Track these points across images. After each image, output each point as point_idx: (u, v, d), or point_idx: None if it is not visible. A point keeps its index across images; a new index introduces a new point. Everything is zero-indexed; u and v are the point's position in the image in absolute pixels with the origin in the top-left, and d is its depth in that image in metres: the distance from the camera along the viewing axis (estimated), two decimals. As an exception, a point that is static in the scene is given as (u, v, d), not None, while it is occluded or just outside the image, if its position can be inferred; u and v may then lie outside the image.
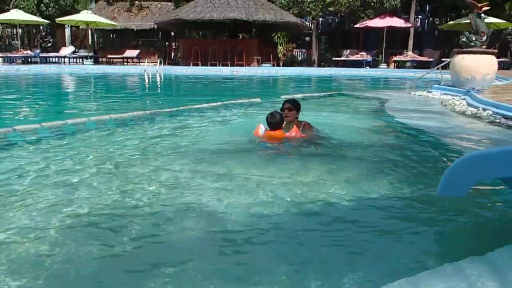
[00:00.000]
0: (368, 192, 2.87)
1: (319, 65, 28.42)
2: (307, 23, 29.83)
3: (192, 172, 3.34)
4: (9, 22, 27.45)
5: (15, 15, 24.30)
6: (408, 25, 25.72)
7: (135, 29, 30.11)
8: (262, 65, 24.48)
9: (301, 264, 1.95)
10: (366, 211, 2.60)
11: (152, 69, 19.80)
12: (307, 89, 14.34)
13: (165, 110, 6.68)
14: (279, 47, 30.16)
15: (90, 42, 29.76)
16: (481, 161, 1.92)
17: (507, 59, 24.87)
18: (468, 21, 10.41)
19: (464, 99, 7.82)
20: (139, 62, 27.29)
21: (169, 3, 31.21)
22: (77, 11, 27.79)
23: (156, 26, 28.66)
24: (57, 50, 28.69)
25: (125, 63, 27.61)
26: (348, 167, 3.51)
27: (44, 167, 3.43)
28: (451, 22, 23.72)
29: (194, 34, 32.67)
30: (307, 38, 32.45)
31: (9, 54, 25.48)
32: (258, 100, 8.27)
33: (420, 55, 26.33)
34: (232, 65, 23.93)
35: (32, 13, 26.50)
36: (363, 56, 25.79)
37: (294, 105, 4.49)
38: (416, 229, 2.35)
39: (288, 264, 1.95)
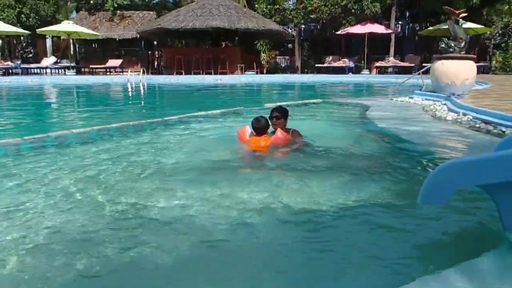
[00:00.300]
0: (349, 201, 2.90)
1: (302, 72, 28.62)
2: (289, 30, 30.05)
3: (177, 184, 3.32)
4: (-11, 33, 27.10)
5: (-5, 26, 24.02)
6: (389, 31, 26.10)
7: (117, 39, 29.96)
8: (246, 73, 24.56)
9: (284, 274, 1.96)
10: (346, 221, 2.61)
11: (135, 78, 19.71)
12: (290, 96, 14.42)
13: (148, 120, 6.65)
14: (262, 55, 30.30)
15: (72, 52, 29.51)
16: (459, 170, 1.96)
17: (486, 63, 25.36)
18: (447, 26, 10.60)
19: (444, 104, 7.94)
20: (122, 72, 27.13)
21: (151, 12, 31.17)
22: (58, 21, 27.54)
23: (138, 36, 28.58)
24: (39, 61, 28.37)
25: (108, 73, 27.42)
26: (329, 176, 3.53)
27: (25, 181, 3.38)
28: (431, 28, 24.14)
29: (177, 43, 32.66)
30: (290, 45, 32.70)
31: (-11, 66, 25.13)
32: (241, 108, 8.29)
33: (402, 60, 26.73)
34: (215, 73, 23.97)
35: (12, 24, 26.19)
36: (346, 62, 26.07)
37: (282, 113, 4.60)
38: (398, 238, 2.37)
39: (275, 274, 1.95)
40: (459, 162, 2.02)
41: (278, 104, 6.22)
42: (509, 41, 25.44)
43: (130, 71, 20.99)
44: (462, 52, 9.65)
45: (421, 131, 5.51)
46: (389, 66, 26.27)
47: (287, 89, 18.02)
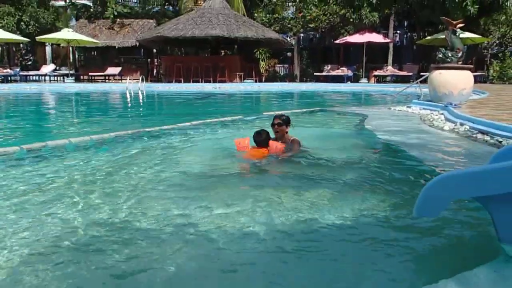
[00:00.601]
0: (345, 212, 2.90)
1: (301, 80, 28.69)
2: (288, 39, 30.17)
3: (173, 194, 3.33)
4: (-12, 41, 27.17)
5: (-5, 33, 24.07)
6: (387, 40, 26.23)
7: (116, 47, 30.01)
8: (245, 81, 24.62)
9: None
10: (342, 232, 2.62)
11: (134, 86, 19.74)
12: (289, 105, 14.46)
13: (147, 129, 6.66)
14: (261, 63, 30.39)
15: (71, 60, 29.57)
16: (454, 182, 1.97)
17: (483, 73, 25.46)
18: (444, 36, 10.68)
19: (442, 114, 7.98)
20: (121, 80, 27.18)
21: (151, 21, 31.27)
22: (58, 29, 27.63)
23: (138, 44, 28.66)
24: (38, 68, 28.40)
25: (107, 81, 27.46)
26: (326, 187, 3.53)
27: (23, 190, 3.38)
28: (429, 38, 24.26)
29: (176, 51, 32.75)
30: (289, 54, 32.80)
31: (-12, 73, 25.16)
32: (240, 117, 8.32)
33: (400, 69, 26.85)
34: (214, 81, 24.02)
35: (12, 31, 26.23)
36: (344, 71, 26.16)
37: (283, 120, 4.75)
38: (393, 250, 2.37)
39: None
40: (455, 174, 2.04)
41: (277, 112, 6.26)
42: (506, 50, 25.55)
43: (129, 79, 21.01)
44: (460, 62, 9.73)
45: (418, 141, 5.53)
46: (387, 75, 26.37)
47: (285, 97, 18.07)
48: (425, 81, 11.75)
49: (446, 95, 9.43)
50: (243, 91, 20.26)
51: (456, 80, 9.44)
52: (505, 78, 23.15)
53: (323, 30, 28.21)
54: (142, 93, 18.27)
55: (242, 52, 28.41)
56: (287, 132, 4.79)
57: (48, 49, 32.61)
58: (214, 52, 28.32)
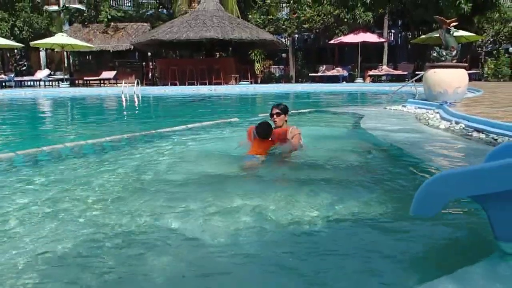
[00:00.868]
0: (341, 212, 2.90)
1: (296, 81, 28.74)
2: (283, 40, 30.22)
3: (170, 197, 3.32)
4: (-18, 47, 27.08)
5: (-12, 39, 24.01)
6: (382, 40, 26.31)
7: (111, 51, 29.99)
8: (240, 82, 24.64)
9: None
10: (337, 232, 2.62)
11: (129, 90, 19.71)
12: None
13: (142, 133, 6.64)
14: (256, 64, 30.43)
15: (65, 65, 29.52)
16: (450, 181, 1.97)
17: (478, 70, 25.57)
18: (438, 35, 10.72)
19: (437, 112, 8.00)
20: (116, 84, 27.13)
21: (145, 24, 31.25)
22: (51, 34, 27.57)
23: (132, 47, 28.64)
24: (32, 74, 28.35)
25: (102, 85, 27.42)
26: (322, 187, 3.54)
27: (18, 196, 3.36)
28: (423, 36, 24.35)
29: (171, 53, 32.73)
30: (284, 55, 32.87)
31: (-18, 79, 25.08)
32: (236, 119, 8.31)
33: (395, 68, 26.91)
34: (210, 83, 24.02)
35: (5, 37, 26.18)
36: (339, 71, 26.20)
37: (281, 110, 4.81)
38: (388, 248, 2.37)
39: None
40: (451, 173, 2.04)
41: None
42: (500, 48, 25.69)
43: (124, 83, 20.98)
44: (454, 61, 9.76)
45: (414, 140, 5.54)
46: (383, 75, 26.44)
47: (281, 98, 18.06)
48: (420, 80, 11.78)
49: (441, 93, 9.45)
50: (238, 93, 20.26)
51: (450, 79, 9.48)
52: (499, 76, 23.26)
53: (317, 30, 28.28)
54: (138, 97, 18.24)
55: (237, 54, 28.43)
56: (286, 121, 4.86)
57: (42, 54, 32.55)
58: (209, 54, 28.33)
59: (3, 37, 25.70)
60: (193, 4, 30.59)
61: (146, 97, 18.48)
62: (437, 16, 10.89)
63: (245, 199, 3.20)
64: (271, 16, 28.95)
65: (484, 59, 26.68)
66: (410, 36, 28.84)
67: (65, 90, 22.46)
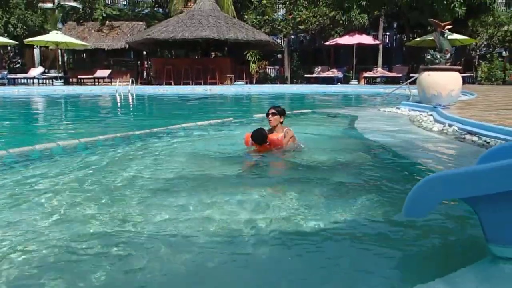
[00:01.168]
0: (334, 214, 2.90)
1: (291, 82, 28.76)
2: (278, 41, 30.23)
3: (164, 197, 3.31)
4: (-25, 44, 26.87)
5: (-18, 36, 23.82)
6: (377, 42, 26.41)
7: (106, 49, 29.85)
8: (235, 83, 24.61)
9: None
10: (331, 235, 2.61)
11: (124, 89, 19.64)
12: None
13: (136, 132, 6.61)
14: (252, 65, 30.42)
15: (60, 63, 29.35)
16: (442, 183, 1.97)
17: (472, 74, 25.72)
18: (433, 38, 10.77)
19: (431, 115, 8.03)
20: (111, 82, 27.00)
21: (141, 23, 31.15)
22: (46, 31, 27.41)
23: (127, 46, 28.53)
24: (26, 71, 28.12)
25: (96, 83, 27.29)
26: (315, 189, 3.53)
27: (9, 195, 3.34)
28: (418, 39, 24.45)
29: (166, 53, 32.65)
30: (279, 56, 32.87)
31: (-25, 76, 24.89)
32: (230, 119, 8.30)
33: (390, 70, 27.02)
34: (205, 83, 23.98)
35: (-1, 34, 26.03)
36: (334, 72, 26.27)
37: (277, 111, 4.94)
38: (381, 251, 2.38)
39: None
40: (443, 175, 2.04)
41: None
42: (494, 52, 25.84)
43: (119, 81, 20.89)
44: (448, 64, 9.80)
45: (407, 142, 5.56)
46: (377, 77, 26.53)
47: (276, 99, 18.07)
48: (414, 82, 11.82)
49: (435, 96, 9.49)
50: (234, 93, 20.25)
51: (444, 81, 9.52)
52: (493, 79, 23.41)
53: (313, 32, 28.33)
54: (132, 96, 18.18)
55: (232, 54, 28.40)
56: (281, 123, 4.94)
57: (36, 51, 32.36)
58: (204, 54, 28.29)
59: (-4, 34, 25.54)
60: (189, 4, 30.53)
61: (140, 96, 18.42)
62: (432, 19, 10.93)
63: (241, 198, 3.19)
64: (267, 17, 28.93)
65: (478, 63, 26.84)
66: (405, 39, 28.95)
67: (59, 88, 22.30)
